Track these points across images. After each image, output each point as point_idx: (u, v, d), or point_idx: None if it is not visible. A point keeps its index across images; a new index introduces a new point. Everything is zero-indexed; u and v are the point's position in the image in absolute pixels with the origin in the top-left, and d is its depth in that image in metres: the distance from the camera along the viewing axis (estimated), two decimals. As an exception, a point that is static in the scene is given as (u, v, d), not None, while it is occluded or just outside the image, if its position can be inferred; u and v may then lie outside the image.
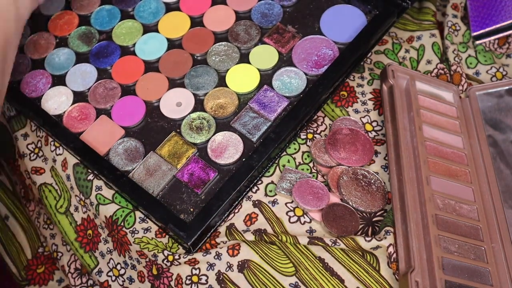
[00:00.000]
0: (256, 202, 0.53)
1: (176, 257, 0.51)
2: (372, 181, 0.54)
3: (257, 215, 0.52)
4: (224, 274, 0.49)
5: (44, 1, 0.56)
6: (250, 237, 0.51)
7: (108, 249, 0.58)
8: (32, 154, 0.62)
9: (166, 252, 0.52)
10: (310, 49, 0.61)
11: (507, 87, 0.60)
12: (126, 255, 0.56)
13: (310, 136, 0.57)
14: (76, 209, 0.59)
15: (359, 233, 0.52)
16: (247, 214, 0.53)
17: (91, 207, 0.57)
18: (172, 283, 0.50)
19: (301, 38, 0.62)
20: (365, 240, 0.50)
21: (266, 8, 0.64)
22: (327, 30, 0.62)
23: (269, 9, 0.64)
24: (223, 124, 0.58)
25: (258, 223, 0.52)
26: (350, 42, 0.59)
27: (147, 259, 0.53)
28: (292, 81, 0.59)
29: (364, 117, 0.59)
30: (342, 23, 0.62)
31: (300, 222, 0.52)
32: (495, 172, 0.54)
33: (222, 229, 0.53)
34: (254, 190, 0.54)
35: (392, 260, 0.49)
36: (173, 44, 0.64)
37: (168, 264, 0.51)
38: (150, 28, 0.65)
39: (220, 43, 0.63)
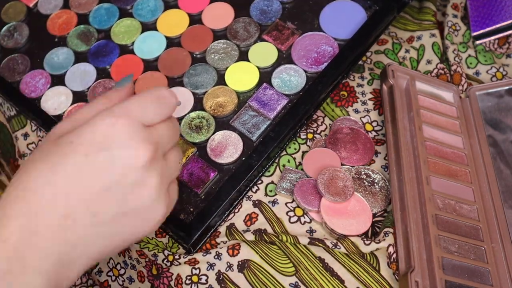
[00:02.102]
0: (256, 202, 0.53)
1: (176, 257, 0.51)
2: (376, 181, 0.54)
3: (257, 215, 0.52)
4: (224, 274, 0.49)
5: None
6: (250, 237, 0.51)
7: (108, 249, 0.58)
8: (32, 154, 0.62)
9: (166, 252, 0.51)
10: (309, 46, 0.61)
11: (507, 87, 0.60)
12: (126, 255, 0.55)
13: (310, 136, 0.57)
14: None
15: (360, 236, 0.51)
16: (247, 214, 0.53)
17: None
18: (172, 283, 0.50)
19: (301, 35, 0.62)
20: (365, 244, 0.50)
21: (265, 5, 0.64)
22: (327, 27, 0.62)
23: (268, 6, 0.64)
24: (222, 123, 0.57)
25: (258, 223, 0.52)
26: (350, 38, 0.59)
27: (147, 259, 0.52)
28: (291, 79, 0.59)
29: (364, 117, 0.59)
30: (342, 19, 0.62)
31: (300, 222, 0.52)
32: (495, 172, 0.54)
33: (222, 229, 0.52)
34: (254, 190, 0.54)
35: (392, 260, 0.49)
36: (172, 43, 0.64)
37: (168, 264, 0.51)
38: (148, 26, 0.65)
39: (219, 41, 0.62)
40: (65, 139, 0.37)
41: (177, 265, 0.51)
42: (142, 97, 0.39)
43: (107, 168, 0.36)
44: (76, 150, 0.36)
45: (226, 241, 0.51)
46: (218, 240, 0.52)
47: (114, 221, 0.38)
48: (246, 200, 0.53)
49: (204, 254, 0.50)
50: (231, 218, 0.53)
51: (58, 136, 0.39)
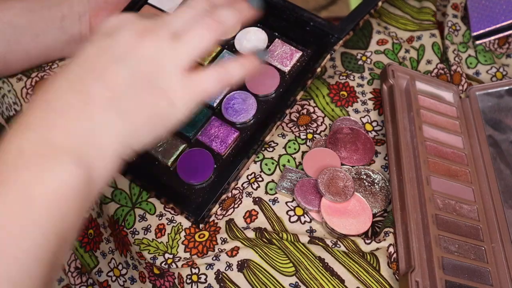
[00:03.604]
0: (257, 199, 0.53)
1: (176, 259, 0.51)
2: (376, 181, 0.54)
3: (257, 213, 0.52)
4: (223, 274, 0.49)
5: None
6: (250, 234, 0.51)
7: (110, 249, 0.58)
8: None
9: (166, 255, 0.51)
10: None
11: (507, 87, 0.60)
12: (128, 255, 0.55)
13: (310, 136, 0.57)
14: (77, 208, 0.59)
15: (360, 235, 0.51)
16: (247, 211, 0.53)
17: (95, 206, 0.57)
18: (176, 281, 0.50)
19: None
20: (365, 243, 0.50)
21: None
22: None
23: None
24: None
25: (258, 221, 0.52)
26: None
27: (146, 261, 0.52)
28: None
29: (364, 117, 0.59)
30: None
31: (301, 222, 0.52)
32: (495, 172, 0.54)
33: (222, 224, 0.52)
34: (254, 187, 0.54)
35: (392, 260, 0.49)
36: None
37: (166, 266, 0.51)
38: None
39: None
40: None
41: (175, 268, 0.51)
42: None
43: (111, 46, 0.40)
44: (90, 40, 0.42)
45: (226, 238, 0.51)
46: (218, 236, 0.51)
47: (132, 94, 0.39)
48: (246, 196, 0.53)
49: (203, 257, 0.50)
50: (231, 213, 0.53)
51: None
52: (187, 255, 0.51)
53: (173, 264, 0.51)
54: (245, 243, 0.50)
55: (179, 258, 0.51)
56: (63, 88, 0.39)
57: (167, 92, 0.40)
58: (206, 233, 0.52)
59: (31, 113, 0.39)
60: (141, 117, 0.40)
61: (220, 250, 0.50)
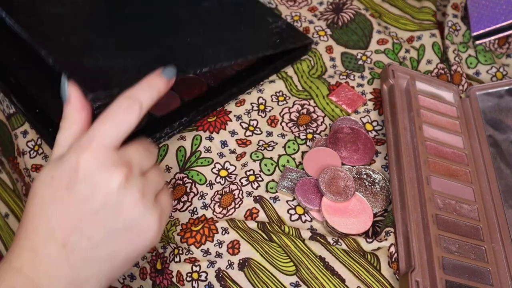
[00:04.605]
0: (257, 197, 0.53)
1: (180, 251, 0.51)
2: (377, 181, 0.54)
3: (258, 211, 0.52)
4: (224, 272, 0.49)
5: None
6: (252, 224, 0.51)
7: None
8: (32, 152, 0.61)
9: (172, 245, 0.51)
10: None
11: (507, 87, 0.60)
12: None
13: (310, 136, 0.57)
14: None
15: (360, 235, 0.51)
16: (248, 209, 0.52)
17: None
18: (174, 280, 0.50)
19: None
20: (367, 242, 0.50)
21: None
22: None
23: None
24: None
25: (259, 219, 0.52)
26: None
27: (154, 253, 0.52)
28: None
29: (364, 117, 0.59)
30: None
31: (301, 221, 0.52)
32: (495, 172, 0.54)
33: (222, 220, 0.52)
34: (255, 186, 0.54)
35: (393, 259, 0.49)
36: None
37: (172, 257, 0.51)
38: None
39: None
40: (46, 173, 0.41)
41: (177, 261, 0.50)
42: (106, 122, 0.41)
43: (88, 196, 0.40)
44: (58, 186, 0.40)
45: (227, 228, 0.51)
46: (218, 225, 0.51)
47: (110, 241, 0.41)
48: (247, 196, 0.53)
49: (205, 255, 0.50)
50: (232, 213, 0.53)
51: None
52: (185, 245, 0.51)
53: (177, 256, 0.50)
54: (245, 237, 0.50)
55: (181, 249, 0.51)
56: (47, 243, 0.40)
57: None
58: (201, 224, 0.52)
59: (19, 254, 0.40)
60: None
61: (219, 241, 0.50)
